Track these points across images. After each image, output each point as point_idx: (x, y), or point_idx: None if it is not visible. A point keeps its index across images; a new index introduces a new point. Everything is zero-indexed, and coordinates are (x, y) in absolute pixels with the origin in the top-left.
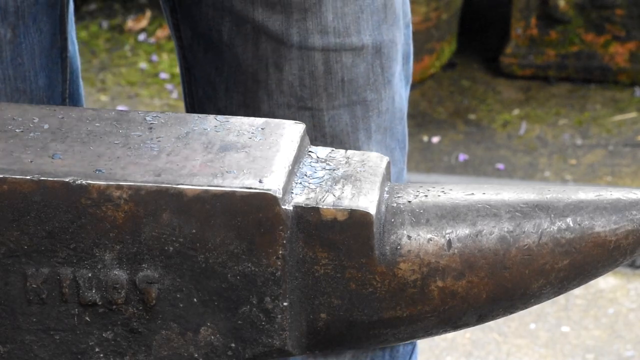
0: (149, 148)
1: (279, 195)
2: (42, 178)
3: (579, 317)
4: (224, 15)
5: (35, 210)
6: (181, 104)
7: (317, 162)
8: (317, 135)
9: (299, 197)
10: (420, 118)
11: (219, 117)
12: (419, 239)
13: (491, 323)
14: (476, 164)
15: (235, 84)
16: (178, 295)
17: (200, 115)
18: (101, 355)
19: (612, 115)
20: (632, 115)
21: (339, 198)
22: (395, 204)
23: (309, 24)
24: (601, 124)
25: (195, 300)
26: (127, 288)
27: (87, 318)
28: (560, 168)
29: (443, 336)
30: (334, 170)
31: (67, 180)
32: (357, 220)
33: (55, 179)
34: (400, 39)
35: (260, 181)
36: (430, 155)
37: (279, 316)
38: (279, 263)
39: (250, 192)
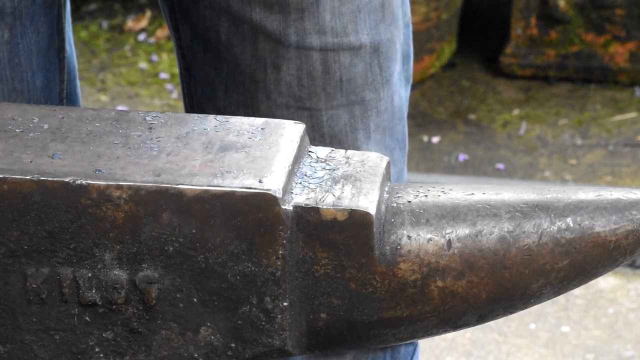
0: (149, 148)
1: (279, 195)
2: (42, 178)
3: (579, 317)
4: (221, 16)
5: (35, 210)
6: (181, 104)
7: (317, 162)
8: (316, 135)
9: (299, 197)
10: (420, 118)
11: (219, 117)
12: (419, 239)
13: (491, 323)
14: (476, 164)
15: (234, 84)
16: (178, 295)
17: (200, 115)
18: (101, 355)
19: (612, 115)
20: (632, 115)
21: (339, 198)
22: (395, 204)
23: (307, 23)
24: (601, 124)
25: (195, 300)
26: (127, 288)
27: (87, 318)
28: (560, 168)
29: (443, 336)
30: (334, 170)
31: (67, 180)
32: (357, 220)
33: (55, 179)
34: (399, 38)
35: (260, 181)
36: (430, 155)
37: (279, 316)
38: (279, 263)
39: (250, 192)
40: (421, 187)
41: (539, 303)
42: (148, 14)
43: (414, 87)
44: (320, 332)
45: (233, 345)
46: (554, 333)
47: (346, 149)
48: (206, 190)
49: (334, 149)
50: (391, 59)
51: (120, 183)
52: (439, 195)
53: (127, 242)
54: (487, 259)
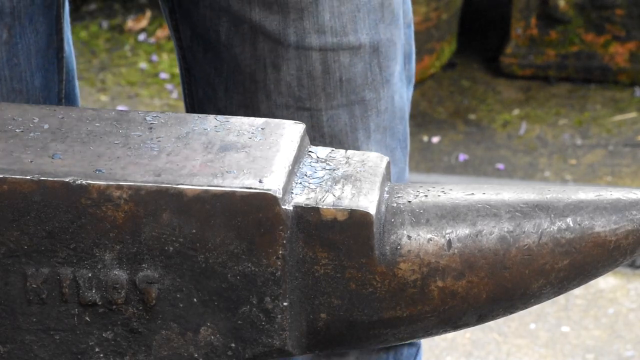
0: (149, 148)
1: (279, 195)
2: (42, 178)
3: (579, 317)
4: (221, 16)
5: (35, 210)
6: (181, 104)
7: (317, 162)
8: (316, 135)
9: (299, 197)
10: (420, 118)
11: (219, 117)
12: (419, 239)
13: (491, 323)
14: (476, 164)
15: (234, 84)
16: (178, 295)
17: (200, 115)
18: (101, 355)
19: (612, 115)
20: (632, 115)
21: (339, 198)
22: (395, 204)
23: (306, 23)
24: (601, 124)
25: (195, 300)
26: (127, 288)
27: (87, 318)
28: (560, 168)
29: (443, 336)
30: (334, 170)
31: (67, 180)
32: (357, 220)
33: (55, 179)
34: (399, 38)
35: (260, 181)
36: (430, 155)
37: (279, 316)
38: (279, 263)
39: (250, 192)
40: (421, 187)
41: (539, 303)
42: (148, 14)
43: (414, 87)
44: (320, 332)
45: (233, 345)
46: (554, 333)
47: (346, 149)
48: (206, 190)
49: (334, 149)
50: (391, 58)
51: (121, 183)
52: (439, 195)
53: (127, 242)
54: (487, 259)
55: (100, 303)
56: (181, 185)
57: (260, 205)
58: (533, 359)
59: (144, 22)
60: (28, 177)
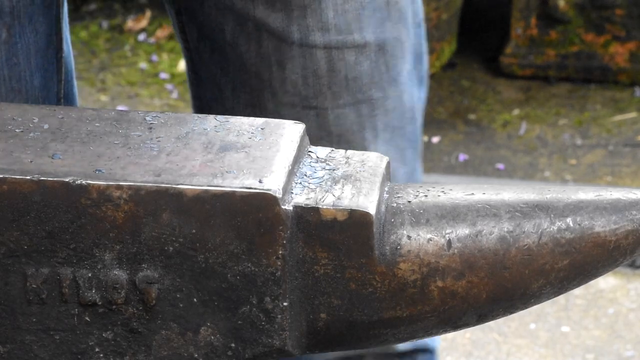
0: (149, 148)
1: (279, 195)
2: (42, 178)
3: (579, 317)
4: (226, 14)
5: (35, 210)
6: (181, 104)
7: (316, 162)
8: (323, 134)
9: (299, 197)
10: None
11: (219, 117)
12: (419, 239)
13: (491, 323)
14: (476, 164)
15: (241, 83)
16: (178, 295)
17: (200, 115)
18: (101, 355)
19: (612, 115)
20: (632, 115)
21: (338, 198)
22: (395, 204)
23: (309, 20)
24: (601, 124)
25: (195, 300)
26: (127, 288)
27: (87, 318)
28: (560, 168)
29: (443, 336)
30: (333, 170)
31: (67, 180)
32: (357, 220)
33: (55, 179)
34: (407, 37)
35: (260, 181)
36: (430, 155)
37: (279, 316)
38: (279, 263)
39: (250, 192)
40: (421, 187)
41: (539, 303)
42: (148, 14)
43: None
44: (320, 332)
45: (233, 345)
46: (554, 333)
47: (354, 148)
48: (206, 190)
49: (333, 148)
50: (398, 57)
51: (120, 183)
52: (439, 195)
53: (127, 242)
54: (487, 259)
55: (100, 303)
56: (181, 185)
57: (260, 205)
58: (533, 359)
59: (144, 22)
60: (28, 177)
